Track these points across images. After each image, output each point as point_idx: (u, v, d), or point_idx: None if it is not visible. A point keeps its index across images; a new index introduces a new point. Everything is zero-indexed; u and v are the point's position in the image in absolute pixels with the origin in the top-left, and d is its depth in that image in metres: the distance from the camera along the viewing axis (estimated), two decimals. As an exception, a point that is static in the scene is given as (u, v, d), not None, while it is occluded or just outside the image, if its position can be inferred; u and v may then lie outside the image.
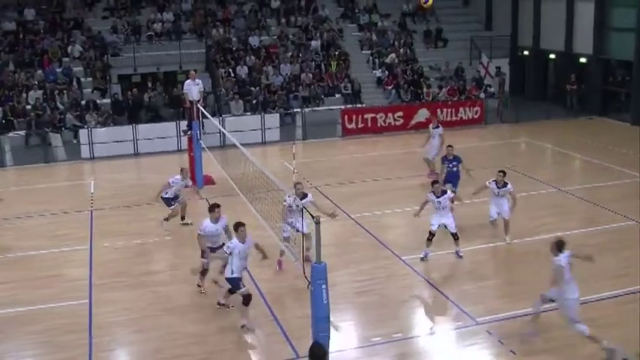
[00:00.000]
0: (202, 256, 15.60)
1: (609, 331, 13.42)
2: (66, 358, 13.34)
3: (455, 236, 17.53)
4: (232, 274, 14.14)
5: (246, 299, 14.03)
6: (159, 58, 36.49)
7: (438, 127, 25.19)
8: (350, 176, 25.47)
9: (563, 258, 12.79)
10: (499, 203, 18.33)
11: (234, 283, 14.22)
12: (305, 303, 12.51)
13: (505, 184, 18.22)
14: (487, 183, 18.51)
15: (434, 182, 17.99)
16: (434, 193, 17.40)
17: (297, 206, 15.99)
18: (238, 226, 14.24)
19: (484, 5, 44.82)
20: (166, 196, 19.91)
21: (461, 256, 17.51)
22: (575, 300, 12.86)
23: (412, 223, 18.72)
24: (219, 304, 14.90)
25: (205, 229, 15.45)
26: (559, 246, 12.93)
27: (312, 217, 10.92)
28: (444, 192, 17.56)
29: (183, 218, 20.40)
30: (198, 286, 15.78)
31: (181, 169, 20.36)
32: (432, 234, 17.39)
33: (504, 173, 18.38)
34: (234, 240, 14.22)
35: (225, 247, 14.36)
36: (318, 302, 11.21)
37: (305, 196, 16.74)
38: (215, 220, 15.47)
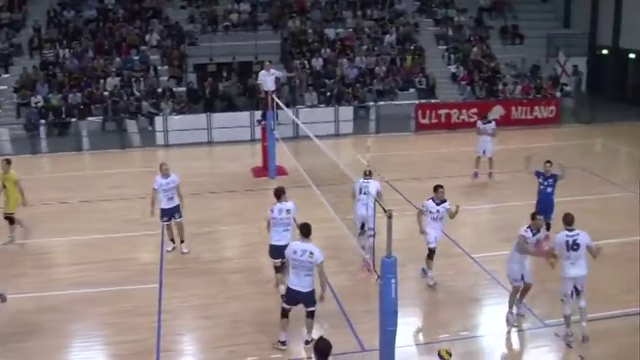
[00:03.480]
0: None
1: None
2: (134, 340, 13.54)
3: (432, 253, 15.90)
4: None
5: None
6: (234, 48, 36.70)
7: (489, 122, 24.53)
8: (422, 172, 25.25)
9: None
10: None
11: None
12: (373, 297, 12.46)
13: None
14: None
15: (437, 187, 15.94)
16: (433, 200, 15.72)
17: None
18: None
19: (562, 2, 44.13)
20: None
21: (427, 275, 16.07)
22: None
23: (483, 221, 18.56)
24: None
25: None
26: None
27: (385, 210, 10.83)
28: (444, 200, 15.76)
29: None
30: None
31: None
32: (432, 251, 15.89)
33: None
34: None
35: None
36: (386, 297, 11.13)
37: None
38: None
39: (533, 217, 13.90)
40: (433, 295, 15.47)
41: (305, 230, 12.78)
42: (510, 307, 14.19)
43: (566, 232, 13.13)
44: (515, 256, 13.84)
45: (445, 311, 14.75)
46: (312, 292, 12.82)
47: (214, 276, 16.39)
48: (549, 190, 17.83)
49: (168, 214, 17.52)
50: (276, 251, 14.64)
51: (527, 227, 13.77)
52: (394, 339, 11.43)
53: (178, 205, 17.58)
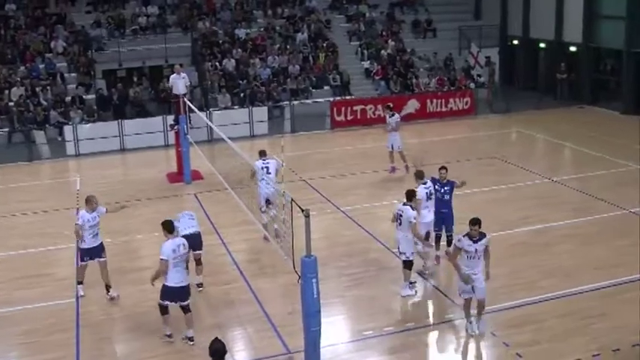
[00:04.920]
0: None
1: (598, 322, 13.56)
2: (52, 359, 13.32)
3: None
4: None
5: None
6: (144, 52, 36.36)
7: (393, 115, 24.87)
8: (340, 169, 25.50)
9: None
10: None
11: None
12: (296, 298, 12.54)
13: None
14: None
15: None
16: (469, 237, 13.14)
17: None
18: None
19: (473, -6, 45.03)
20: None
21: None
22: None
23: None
24: None
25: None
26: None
27: (302, 210, 10.92)
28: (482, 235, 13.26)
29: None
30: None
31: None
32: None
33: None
34: None
35: None
36: (308, 297, 11.24)
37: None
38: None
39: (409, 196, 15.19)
40: (356, 292, 15.62)
41: (169, 226, 13.66)
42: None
43: (423, 186, 15.95)
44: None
45: (369, 308, 14.90)
46: (189, 285, 13.67)
47: (133, 286, 16.14)
48: (447, 197, 16.48)
49: (90, 254, 15.41)
50: (190, 239, 14.84)
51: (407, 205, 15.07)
52: (319, 339, 11.55)
53: (102, 243, 15.61)
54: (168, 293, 13.34)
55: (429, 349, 13.49)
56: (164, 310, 13.52)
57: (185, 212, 16.07)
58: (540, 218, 19.63)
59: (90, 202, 15.33)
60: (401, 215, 14.98)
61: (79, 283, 15.86)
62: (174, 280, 13.23)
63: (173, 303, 13.44)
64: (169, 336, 13.65)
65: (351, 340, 13.73)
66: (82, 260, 15.58)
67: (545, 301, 14.74)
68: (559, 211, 20.31)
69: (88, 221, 15.17)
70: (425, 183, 16.03)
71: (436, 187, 16.45)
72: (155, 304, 14.96)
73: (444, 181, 16.52)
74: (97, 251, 15.46)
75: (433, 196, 16.07)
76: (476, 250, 13.01)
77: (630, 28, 33.43)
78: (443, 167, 16.74)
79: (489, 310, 14.06)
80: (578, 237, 18.33)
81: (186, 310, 13.52)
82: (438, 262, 16.64)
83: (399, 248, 15.34)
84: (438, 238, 16.62)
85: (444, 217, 16.47)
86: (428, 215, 15.81)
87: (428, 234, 15.67)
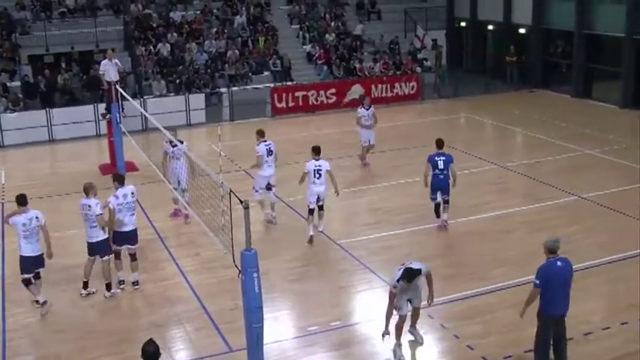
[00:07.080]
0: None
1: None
2: (-23, 367, 13.11)
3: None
4: None
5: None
6: (73, 36, 35.72)
7: (370, 107, 24.79)
8: (281, 158, 25.26)
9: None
10: None
11: None
12: (237, 294, 12.50)
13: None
14: None
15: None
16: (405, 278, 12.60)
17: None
18: None
19: (419, -25, 45.22)
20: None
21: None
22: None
23: (347, 206, 18.88)
24: None
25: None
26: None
27: (241, 201, 10.88)
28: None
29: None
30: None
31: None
32: None
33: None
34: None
35: None
36: (249, 292, 11.19)
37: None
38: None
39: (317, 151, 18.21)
40: (301, 286, 15.69)
41: (22, 199, 14.51)
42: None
43: (264, 144, 18.89)
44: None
45: (315, 302, 14.95)
46: (43, 254, 14.69)
47: (66, 285, 15.93)
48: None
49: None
50: (121, 237, 15.72)
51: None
52: (261, 336, 11.50)
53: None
54: (25, 264, 14.47)
55: (376, 344, 13.52)
56: (27, 282, 14.56)
57: (127, 199, 15.74)
58: (490, 206, 19.91)
59: (92, 189, 15.52)
60: (320, 170, 17.71)
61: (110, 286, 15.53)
62: (27, 251, 14.40)
63: (31, 274, 14.57)
64: (44, 303, 14.67)
65: (296, 336, 13.74)
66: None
67: (496, 291, 14.96)
68: (509, 199, 20.65)
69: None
70: (265, 141, 18.97)
71: (443, 158, 18.32)
72: (91, 304, 14.97)
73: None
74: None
75: (272, 154, 18.98)
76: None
77: (581, 9, 34.02)
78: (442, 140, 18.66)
79: (439, 302, 14.17)
80: (529, 224, 18.62)
81: (38, 277, 14.80)
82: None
83: (318, 197, 17.87)
84: (438, 206, 18.37)
85: (444, 185, 18.23)
86: (268, 169, 18.89)
87: (269, 184, 18.87)
